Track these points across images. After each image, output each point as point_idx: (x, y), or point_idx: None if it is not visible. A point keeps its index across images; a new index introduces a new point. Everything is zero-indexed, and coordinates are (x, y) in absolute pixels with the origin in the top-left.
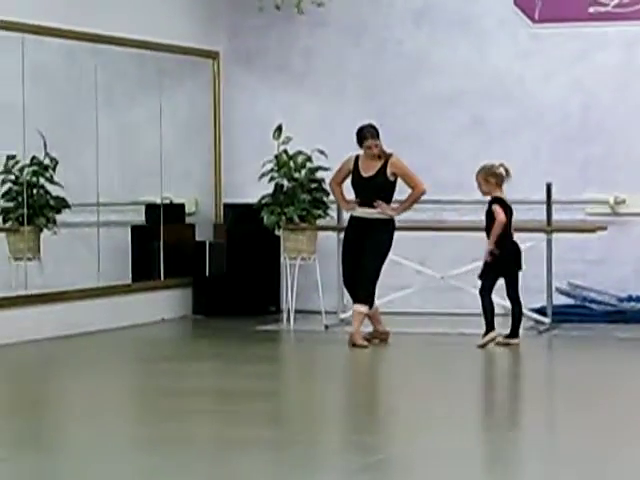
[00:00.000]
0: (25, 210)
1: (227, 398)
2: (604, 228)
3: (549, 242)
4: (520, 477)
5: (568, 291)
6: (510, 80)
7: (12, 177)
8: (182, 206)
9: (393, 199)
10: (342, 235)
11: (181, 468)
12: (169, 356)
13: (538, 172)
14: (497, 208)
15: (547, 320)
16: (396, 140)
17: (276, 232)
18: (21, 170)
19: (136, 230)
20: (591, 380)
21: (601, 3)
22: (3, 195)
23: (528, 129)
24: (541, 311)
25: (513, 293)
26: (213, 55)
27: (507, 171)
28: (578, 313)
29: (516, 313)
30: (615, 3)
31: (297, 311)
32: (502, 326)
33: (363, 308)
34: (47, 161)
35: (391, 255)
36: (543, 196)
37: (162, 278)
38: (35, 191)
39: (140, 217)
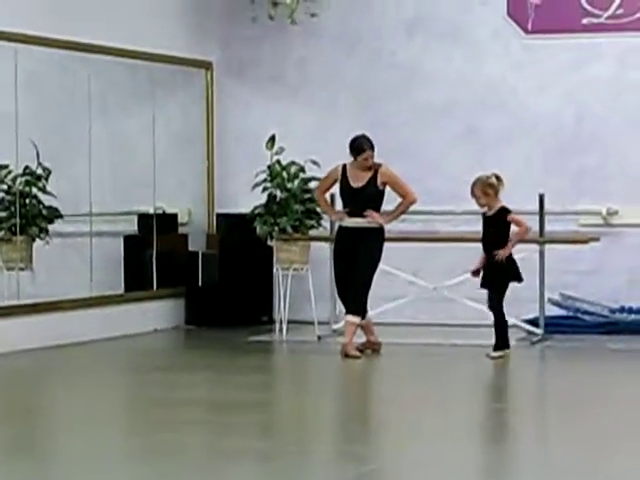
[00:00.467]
0: (18, 220)
1: (219, 409)
2: (597, 239)
3: (542, 253)
4: None
5: (560, 302)
6: (503, 91)
7: (5, 187)
8: (175, 216)
9: (381, 210)
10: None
11: (173, 478)
12: (161, 366)
13: (531, 183)
14: (517, 217)
15: (539, 331)
16: (389, 150)
17: (269, 242)
18: (14, 180)
19: (129, 240)
20: (583, 391)
21: (594, 14)
22: None
23: (521, 140)
24: (533, 322)
25: (498, 304)
26: (206, 65)
27: (500, 180)
28: (570, 324)
29: (495, 327)
30: (608, 14)
31: (290, 321)
32: (488, 337)
33: (355, 319)
34: (40, 171)
35: (384, 266)
36: (536, 207)
37: (155, 288)
38: (28, 201)
39: (133, 227)
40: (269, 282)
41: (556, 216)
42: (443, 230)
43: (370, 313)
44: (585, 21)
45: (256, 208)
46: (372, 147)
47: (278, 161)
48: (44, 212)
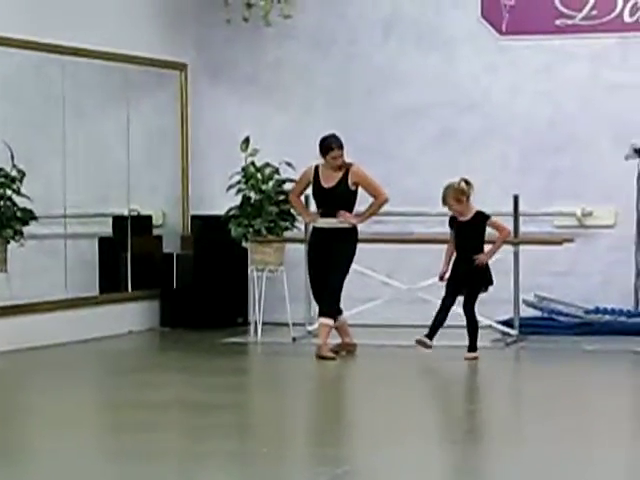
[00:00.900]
0: None
1: (193, 410)
2: (571, 240)
3: (516, 254)
4: None
5: (535, 303)
6: (478, 92)
7: None
8: (149, 218)
9: (354, 210)
10: None
11: None
12: (136, 368)
13: (505, 184)
14: (498, 221)
15: (514, 332)
16: (364, 152)
17: (243, 244)
18: None
19: (103, 242)
20: (558, 392)
21: (568, 16)
22: None
23: (496, 141)
24: (508, 323)
25: (471, 308)
26: (181, 67)
27: (470, 184)
28: (545, 325)
29: (471, 329)
30: (582, 16)
31: (264, 323)
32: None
33: (328, 321)
34: (14, 173)
35: (358, 267)
36: (510, 208)
37: (129, 290)
38: (2, 203)
39: (107, 229)
40: (244, 284)
41: (531, 217)
42: (417, 231)
43: (345, 314)
44: (559, 22)
45: (231, 210)
46: (341, 146)
47: (252, 163)
48: (18, 214)
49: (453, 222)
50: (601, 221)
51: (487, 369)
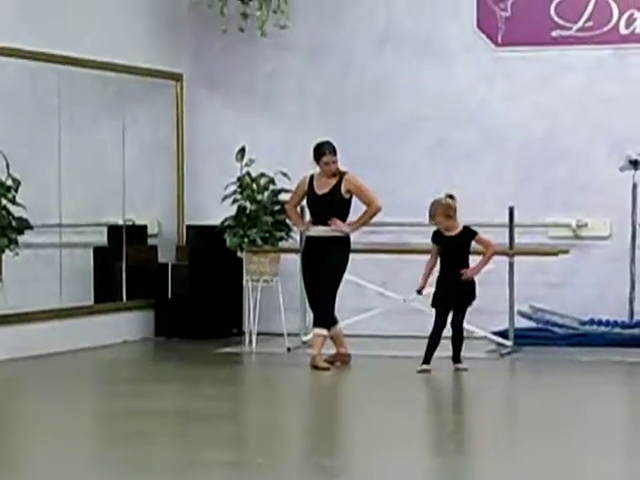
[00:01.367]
0: None
1: (188, 420)
2: (566, 251)
3: (511, 265)
4: None
5: (530, 314)
6: (473, 103)
7: None
8: (144, 228)
9: (347, 219)
10: None
11: None
12: (130, 378)
13: (501, 195)
14: (485, 238)
15: (509, 343)
16: (360, 162)
17: (238, 254)
18: None
19: (98, 251)
20: (552, 403)
21: (564, 27)
22: None
23: (491, 152)
24: (503, 334)
25: (460, 323)
26: (177, 77)
27: (454, 198)
28: (540, 336)
29: (459, 342)
30: (578, 27)
31: (259, 333)
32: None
33: (322, 331)
34: (9, 182)
35: (353, 277)
36: (506, 219)
37: (124, 300)
38: None
39: (102, 238)
40: (239, 294)
41: (526, 228)
42: (413, 242)
43: (340, 325)
44: (555, 34)
45: (226, 220)
46: (333, 151)
47: (248, 173)
48: (14, 223)
49: (437, 237)
50: (596, 232)
51: (482, 380)
